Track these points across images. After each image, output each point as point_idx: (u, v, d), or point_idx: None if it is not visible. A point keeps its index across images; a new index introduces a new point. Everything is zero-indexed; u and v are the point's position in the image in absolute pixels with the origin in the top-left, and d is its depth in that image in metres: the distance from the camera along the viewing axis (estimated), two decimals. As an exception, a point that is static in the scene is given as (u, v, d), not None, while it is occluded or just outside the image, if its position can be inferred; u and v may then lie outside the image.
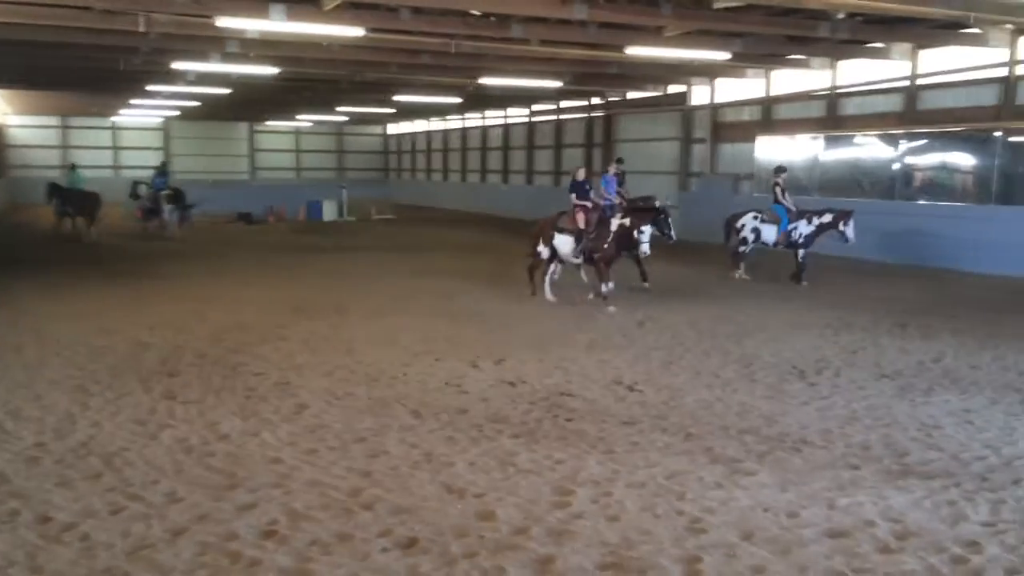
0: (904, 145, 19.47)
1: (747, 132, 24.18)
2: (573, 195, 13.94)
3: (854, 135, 20.89)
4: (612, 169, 16.89)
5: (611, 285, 13.36)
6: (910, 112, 19.51)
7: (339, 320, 12.23)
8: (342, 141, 52.97)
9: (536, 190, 36.33)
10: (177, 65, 21.20)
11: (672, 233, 13.57)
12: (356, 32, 15.57)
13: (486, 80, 23.86)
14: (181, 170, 47.37)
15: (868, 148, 20.52)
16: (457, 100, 30.78)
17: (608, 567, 4.78)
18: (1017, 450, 6.80)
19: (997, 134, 17.43)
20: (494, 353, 10.09)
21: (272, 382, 8.75)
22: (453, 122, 44.31)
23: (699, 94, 26.42)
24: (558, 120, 34.78)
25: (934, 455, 6.71)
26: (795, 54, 20.29)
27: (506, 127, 39.14)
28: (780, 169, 16.41)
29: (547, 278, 14.17)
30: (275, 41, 18.28)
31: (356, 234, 27.91)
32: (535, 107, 35.86)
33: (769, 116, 23.68)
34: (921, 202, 18.95)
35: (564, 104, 33.72)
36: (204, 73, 23.00)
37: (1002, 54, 17.20)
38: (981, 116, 17.92)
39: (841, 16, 15.59)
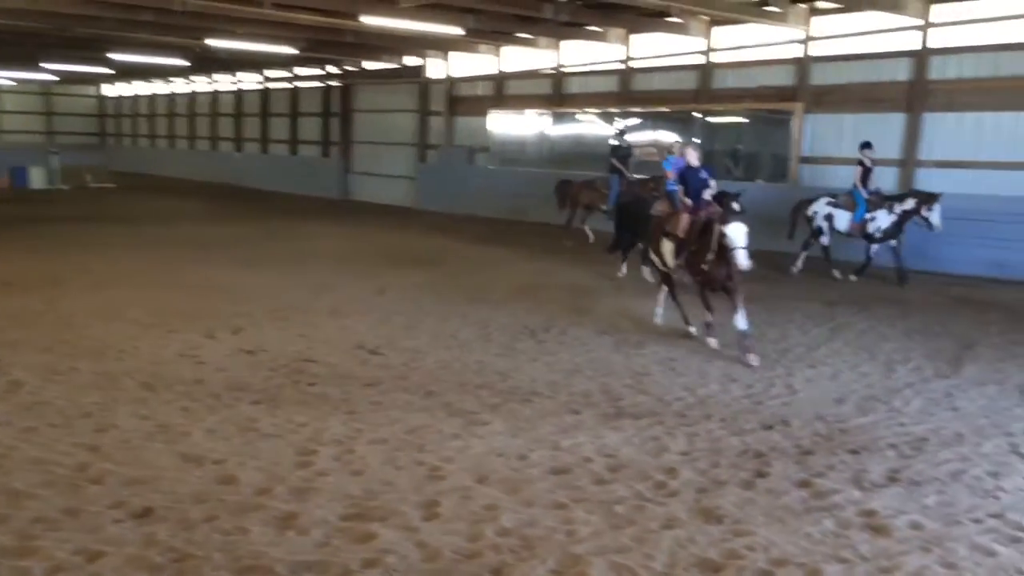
0: (620, 123, 21.11)
1: (481, 106, 25.00)
2: (679, 188, 10.20)
3: (577, 112, 22.31)
4: (691, 153, 10.28)
5: (710, 318, 9.42)
6: (625, 92, 21.17)
7: (55, 294, 11.33)
8: (51, 102, 48.01)
9: (271, 159, 35.25)
10: None
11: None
12: (66, -18, 14.26)
13: (215, 42, 22.73)
14: None
15: (590, 125, 22.01)
16: (183, 62, 29.01)
17: (351, 517, 4.98)
18: (709, 391, 7.82)
19: (696, 115, 19.41)
20: (231, 324, 9.88)
21: (-22, 361, 8.02)
22: (179, 85, 41.68)
23: (435, 68, 26.89)
24: (294, 88, 33.88)
25: (643, 398, 7.55)
26: (523, 33, 21.26)
27: (238, 93, 37.50)
28: (865, 145, 13.89)
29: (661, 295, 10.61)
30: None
31: (70, 203, 25.66)
32: (269, 73, 34.65)
33: (501, 92, 24.63)
34: (636, 176, 20.66)
35: (300, 72, 32.89)
36: None
37: (700, 43, 19.13)
38: (683, 98, 19.84)
39: (563, -1, 16.60)
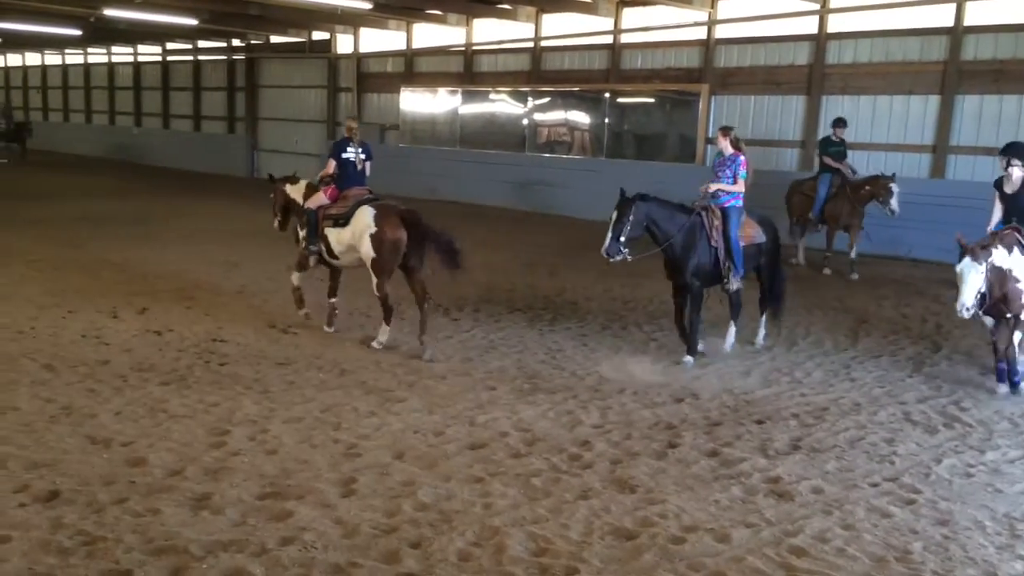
0: (531, 102, 21.19)
1: (391, 83, 24.69)
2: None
3: (488, 91, 22.27)
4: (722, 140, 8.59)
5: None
6: (536, 71, 21.23)
7: (-58, 274, 10.78)
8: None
9: (173, 134, 34.05)
10: None
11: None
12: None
13: (112, 12, 21.77)
14: None
15: (501, 104, 22.01)
16: (77, 32, 27.72)
17: (267, 496, 4.93)
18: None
19: (606, 95, 19.64)
20: (135, 303, 9.59)
21: None
22: (73, 56, 39.77)
23: (343, 43, 26.40)
24: (196, 61, 32.75)
25: (557, 373, 7.67)
26: (433, 9, 21.07)
27: (136, 65, 36.04)
28: (1008, 149, 7.96)
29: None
30: None
31: (-45, 180, 24.29)
32: (170, 45, 33.38)
33: (411, 69, 24.37)
34: (547, 155, 20.84)
35: (203, 44, 31.80)
36: None
37: (609, 23, 19.32)
38: (593, 78, 20.03)
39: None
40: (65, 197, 20.34)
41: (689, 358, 8.09)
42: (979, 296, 6.80)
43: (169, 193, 22.43)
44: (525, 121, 21.32)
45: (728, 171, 8.31)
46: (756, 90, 17.23)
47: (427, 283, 8.40)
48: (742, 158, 8.34)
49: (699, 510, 4.94)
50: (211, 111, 32.32)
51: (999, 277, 6.92)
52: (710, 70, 17.77)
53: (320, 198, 8.65)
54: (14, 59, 44.33)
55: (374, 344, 8.35)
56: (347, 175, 8.68)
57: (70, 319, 8.80)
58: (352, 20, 23.84)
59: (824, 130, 16.11)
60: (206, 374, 7.21)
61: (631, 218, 7.74)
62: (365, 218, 8.17)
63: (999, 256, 6.91)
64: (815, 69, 16.25)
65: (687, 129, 18.23)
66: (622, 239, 7.75)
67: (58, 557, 4.16)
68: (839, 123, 13.54)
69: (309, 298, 9.07)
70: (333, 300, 9.03)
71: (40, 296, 9.73)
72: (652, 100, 19.19)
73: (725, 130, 8.58)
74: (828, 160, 13.41)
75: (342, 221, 8.37)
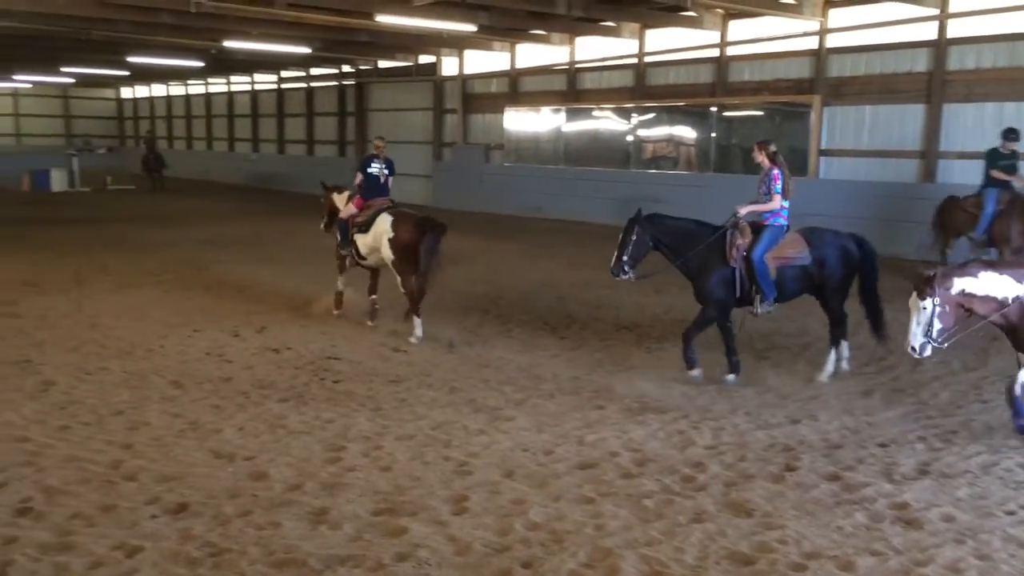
0: (636, 118, 21.06)
1: (496, 103, 25.00)
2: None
3: (592, 108, 22.27)
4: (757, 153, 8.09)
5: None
6: (640, 87, 21.11)
7: (80, 295, 11.47)
8: (69, 105, 48.24)
9: (288, 159, 35.36)
10: None
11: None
12: (84, -15, 14.37)
13: (231, 43, 22.84)
14: None
15: (605, 121, 21.97)
16: (199, 64, 29.19)
17: (382, 512, 5.02)
18: (731, 385, 7.80)
19: (713, 109, 19.34)
20: (255, 322, 9.96)
21: (10, 361, 8.12)
22: (196, 87, 41.89)
23: (449, 65, 26.91)
24: (309, 88, 33.98)
25: (667, 393, 7.55)
26: (537, 29, 21.23)
27: (254, 93, 37.65)
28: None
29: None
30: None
31: (91, 205, 25.83)
32: (284, 73, 34.77)
33: (515, 88, 24.62)
34: (652, 171, 20.66)
35: (315, 71, 33.00)
36: None
37: (715, 36, 19.04)
38: (699, 92, 19.76)
39: (572, -6, 16.54)
40: (190, 221, 21.37)
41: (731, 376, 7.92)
42: (938, 333, 6.05)
43: (285, 216, 23.25)
44: (630, 137, 21.21)
45: (764, 187, 7.89)
46: (871, 100, 16.66)
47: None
48: (775, 172, 7.85)
49: (820, 536, 4.76)
50: (323, 135, 33.42)
51: (1004, 308, 6.01)
52: (822, 80, 17.29)
53: (350, 209, 9.93)
54: (142, 91, 46.99)
55: (411, 339, 9.17)
56: (371, 187, 9.99)
57: (195, 338, 9.21)
58: (457, 43, 24.27)
59: (947, 139, 15.49)
60: (321, 391, 7.42)
61: (633, 238, 7.76)
62: (383, 224, 9.39)
63: (994, 285, 6.00)
64: (935, 76, 15.59)
65: (798, 141, 17.73)
66: (625, 259, 7.78)
67: (187, 568, 4.34)
68: (1010, 135, 12.31)
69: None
70: (373, 297, 10.11)
71: (168, 316, 10.24)
72: (761, 112, 18.78)
73: (762, 144, 8.07)
74: (998, 174, 12.24)
75: (365, 228, 9.61)
